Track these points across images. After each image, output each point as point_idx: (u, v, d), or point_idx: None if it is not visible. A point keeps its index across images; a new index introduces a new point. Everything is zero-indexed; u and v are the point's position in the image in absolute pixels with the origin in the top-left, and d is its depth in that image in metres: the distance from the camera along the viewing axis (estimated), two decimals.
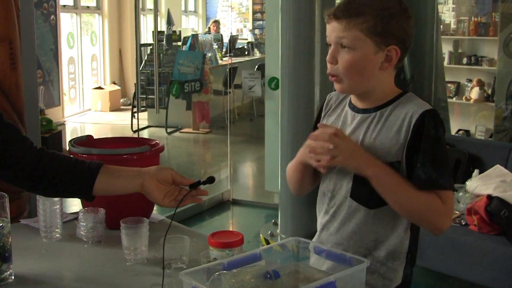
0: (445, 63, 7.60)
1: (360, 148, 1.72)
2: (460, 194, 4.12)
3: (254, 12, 15.28)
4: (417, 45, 6.31)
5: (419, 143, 1.67)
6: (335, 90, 1.83)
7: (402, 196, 1.68)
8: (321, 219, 1.90)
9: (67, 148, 2.31)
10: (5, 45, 2.87)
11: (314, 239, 1.88)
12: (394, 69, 1.77)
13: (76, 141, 2.36)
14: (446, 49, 7.73)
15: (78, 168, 1.85)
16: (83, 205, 2.22)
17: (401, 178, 1.69)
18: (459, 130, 7.56)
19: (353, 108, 1.83)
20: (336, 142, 1.67)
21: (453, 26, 7.99)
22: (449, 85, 7.71)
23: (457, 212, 4.05)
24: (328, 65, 1.77)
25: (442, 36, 7.22)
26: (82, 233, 2.12)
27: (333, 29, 1.74)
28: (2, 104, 2.85)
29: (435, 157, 1.68)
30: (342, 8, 1.72)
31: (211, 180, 1.92)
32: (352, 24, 1.69)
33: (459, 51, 7.88)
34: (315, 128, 1.94)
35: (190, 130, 9.43)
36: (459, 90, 7.94)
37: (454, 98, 7.81)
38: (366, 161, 1.69)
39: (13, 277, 1.81)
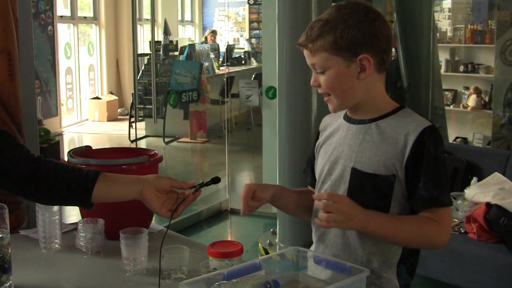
0: (442, 71, 7.62)
1: (355, 206, 1.66)
2: (459, 202, 4.12)
3: (250, 22, 15.30)
4: (414, 53, 6.34)
5: (419, 161, 1.68)
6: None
7: (403, 235, 1.70)
8: (315, 231, 1.91)
9: (66, 159, 2.30)
10: (3, 57, 2.88)
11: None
12: (378, 74, 1.76)
13: (75, 152, 2.36)
14: (443, 57, 7.76)
15: (76, 175, 1.85)
16: (82, 216, 2.22)
17: (398, 219, 1.71)
18: (457, 137, 7.57)
19: (348, 119, 1.84)
20: (332, 208, 1.63)
21: (449, 34, 8.01)
22: (446, 92, 7.72)
23: (456, 220, 4.05)
24: (317, 88, 1.79)
25: (438, 44, 7.24)
26: (81, 243, 2.12)
27: (306, 57, 1.78)
28: (0, 115, 2.85)
29: (436, 176, 1.69)
30: (306, 35, 1.75)
31: (216, 180, 1.92)
32: (316, 47, 1.72)
33: (456, 58, 7.90)
34: (313, 152, 1.96)
35: (188, 139, 9.43)
36: (456, 97, 7.95)
37: (451, 106, 7.83)
38: (363, 219, 1.66)
39: None
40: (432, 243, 1.73)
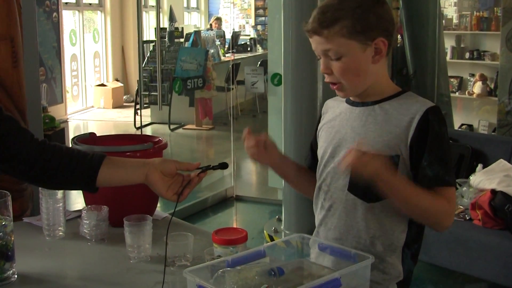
0: (448, 58, 7.59)
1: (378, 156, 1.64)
2: (464, 189, 4.11)
3: (256, 8, 15.25)
4: (420, 40, 6.32)
5: (424, 140, 1.67)
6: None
7: (420, 200, 1.66)
8: (318, 214, 1.89)
9: (70, 146, 2.30)
10: (6, 43, 2.87)
11: (313, 235, 1.87)
12: (385, 57, 1.76)
13: (79, 139, 2.36)
14: (449, 44, 7.73)
15: (81, 159, 1.84)
16: (86, 203, 2.21)
17: (414, 184, 1.67)
18: (462, 124, 7.55)
19: (351, 103, 1.82)
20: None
21: (455, 21, 7.97)
22: (451, 80, 7.70)
23: (461, 207, 4.04)
24: (325, 75, 1.77)
25: (444, 31, 7.21)
26: (86, 231, 2.12)
27: (317, 43, 1.74)
28: (4, 102, 2.84)
29: (441, 155, 1.68)
30: (318, 21, 1.71)
31: (223, 165, 1.91)
32: (332, 33, 1.68)
33: (462, 46, 7.87)
34: (315, 136, 1.95)
35: (193, 126, 9.43)
36: (462, 84, 7.93)
37: (457, 93, 7.81)
38: (383, 165, 1.61)
39: (16, 276, 1.80)
40: (439, 220, 1.70)
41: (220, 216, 5.69)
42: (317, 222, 1.90)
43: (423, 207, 1.68)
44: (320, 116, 1.96)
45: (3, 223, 1.75)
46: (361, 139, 1.71)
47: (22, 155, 1.81)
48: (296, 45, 4.29)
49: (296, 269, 1.63)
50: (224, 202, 5.99)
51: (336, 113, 1.88)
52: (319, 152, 1.89)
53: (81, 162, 1.83)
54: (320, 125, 1.93)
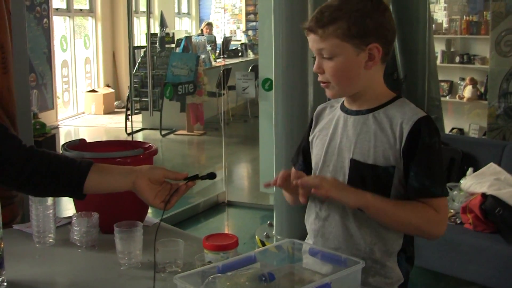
0: (438, 62, 7.63)
1: (343, 183, 1.73)
2: (455, 192, 4.12)
3: (247, 14, 15.28)
4: (410, 44, 6.34)
5: (413, 150, 1.68)
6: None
7: (400, 216, 1.69)
8: (312, 224, 1.88)
9: (61, 152, 2.29)
10: None
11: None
12: (381, 65, 1.77)
13: (69, 145, 2.35)
14: (439, 48, 7.76)
15: (69, 166, 1.83)
16: (77, 210, 2.21)
17: (392, 200, 1.70)
18: (453, 128, 7.58)
19: (346, 111, 1.83)
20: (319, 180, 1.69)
21: (445, 25, 8.01)
22: (442, 83, 7.72)
23: (452, 210, 4.05)
24: (319, 74, 1.78)
25: (434, 35, 7.24)
26: (76, 237, 2.11)
27: (312, 42, 1.76)
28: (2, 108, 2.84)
29: (428, 166, 1.68)
30: (315, 20, 1.73)
31: (211, 176, 1.91)
32: (327, 33, 1.70)
33: (452, 50, 7.90)
34: (307, 139, 1.95)
35: (185, 132, 9.42)
36: (452, 88, 7.96)
37: (447, 97, 7.83)
38: (357, 191, 1.68)
39: (5, 284, 1.79)
40: (428, 230, 1.71)
41: (212, 221, 5.68)
42: (312, 232, 1.89)
43: (403, 222, 1.70)
44: (312, 121, 1.96)
45: None
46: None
47: (10, 162, 1.80)
48: (287, 50, 4.30)
49: (287, 274, 1.63)
50: (216, 207, 5.98)
51: (330, 120, 1.88)
52: (314, 160, 1.89)
53: (69, 169, 1.83)
54: (313, 131, 1.93)
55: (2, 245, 1.77)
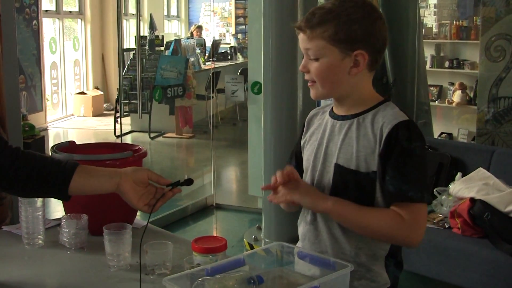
0: (427, 66, 7.64)
1: (314, 188, 1.76)
2: (443, 197, 4.14)
3: (236, 17, 15.29)
4: (399, 49, 6.36)
5: (390, 154, 1.67)
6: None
7: (363, 222, 1.70)
8: (302, 229, 1.90)
9: (50, 154, 2.29)
10: None
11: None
12: (369, 72, 1.77)
13: (58, 147, 2.35)
14: (428, 52, 7.78)
15: (54, 167, 1.83)
16: (66, 211, 2.20)
17: (357, 206, 1.70)
18: (442, 133, 7.60)
19: (333, 116, 1.84)
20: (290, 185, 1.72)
21: (435, 30, 8.04)
22: (431, 88, 7.75)
23: (440, 215, 4.07)
24: (305, 73, 1.79)
25: (424, 40, 7.27)
26: (65, 239, 2.10)
27: (301, 41, 1.77)
28: None
29: (406, 170, 1.67)
30: (305, 19, 1.74)
31: (189, 182, 1.91)
32: (315, 34, 1.72)
33: (441, 54, 7.93)
34: (299, 143, 1.96)
35: (174, 135, 9.41)
36: (442, 93, 7.98)
37: (436, 102, 7.86)
38: (320, 197, 1.72)
39: None
40: (402, 237, 1.69)
41: (200, 224, 5.68)
42: (301, 236, 1.91)
43: (370, 228, 1.70)
44: (304, 126, 1.97)
45: None
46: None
47: None
48: (276, 53, 4.31)
49: (275, 277, 1.63)
50: (204, 210, 5.98)
51: (319, 125, 1.89)
52: (304, 164, 1.90)
53: (54, 170, 1.82)
54: (304, 136, 1.94)
55: None
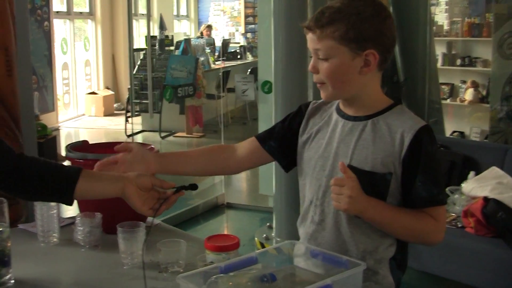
0: (439, 64, 7.60)
1: (360, 190, 1.66)
2: (456, 196, 4.12)
3: (246, 16, 15.29)
4: (410, 47, 6.34)
5: (416, 160, 1.68)
6: None
7: (400, 225, 1.71)
8: (306, 228, 1.88)
9: (63, 153, 2.31)
10: (1, 53, 2.88)
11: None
12: (378, 71, 1.76)
13: (72, 147, 2.36)
14: (440, 50, 7.74)
15: (58, 172, 1.84)
16: (80, 210, 2.22)
17: (397, 209, 1.71)
18: (454, 132, 7.57)
19: (343, 115, 1.82)
20: (340, 191, 1.65)
21: (446, 27, 7.99)
22: (443, 86, 7.71)
23: (453, 214, 4.05)
24: (313, 74, 1.78)
25: (435, 38, 7.23)
26: (79, 237, 2.12)
27: (309, 40, 1.75)
28: (1, 113, 2.85)
29: (434, 174, 1.70)
30: (315, 19, 1.72)
31: (193, 187, 1.91)
32: (324, 34, 1.69)
33: (453, 52, 7.89)
34: (286, 123, 1.95)
35: (184, 134, 9.43)
36: (453, 91, 7.95)
37: (448, 100, 7.82)
38: (364, 203, 1.66)
39: (12, 281, 1.81)
40: (427, 239, 1.75)
41: (211, 223, 5.69)
42: (305, 235, 1.89)
43: (408, 231, 1.72)
44: (302, 115, 1.93)
45: (0, 229, 1.77)
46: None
47: None
48: (286, 52, 4.30)
49: (288, 275, 1.63)
50: (215, 209, 5.98)
51: (325, 122, 1.86)
52: (308, 162, 1.86)
53: (59, 175, 1.83)
54: (305, 128, 1.90)
55: (9, 244, 1.80)
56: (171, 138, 9.36)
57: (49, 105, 10.24)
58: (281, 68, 4.38)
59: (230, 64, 11.39)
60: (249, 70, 9.91)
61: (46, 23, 10.08)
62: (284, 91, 4.41)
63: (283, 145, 1.94)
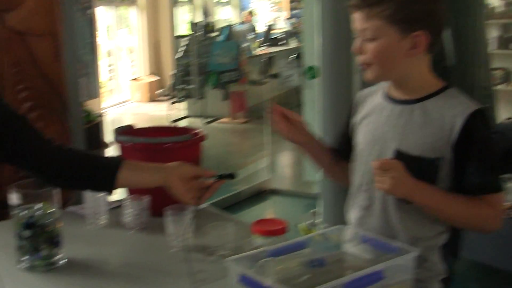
0: (492, 48, 7.39)
1: (406, 173, 1.63)
2: (510, 185, 4.03)
3: (290, 1, 15.19)
4: (461, 30, 6.21)
5: (469, 145, 1.63)
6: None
7: (452, 211, 1.67)
8: (354, 214, 1.87)
9: (108, 139, 2.34)
10: (49, 39, 2.92)
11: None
12: (427, 54, 1.72)
13: (119, 131, 2.38)
14: (493, 33, 7.49)
15: (100, 162, 1.87)
16: (128, 193, 2.24)
17: (448, 194, 1.67)
18: (509, 118, 7.38)
19: (391, 99, 1.79)
20: (384, 173, 1.62)
21: (500, 9, 7.73)
22: (496, 71, 7.47)
23: (508, 203, 3.96)
24: (358, 55, 1.74)
25: (488, 21, 7.04)
26: (127, 220, 2.15)
27: (356, 20, 1.71)
28: (51, 98, 2.90)
29: (488, 161, 1.65)
30: None
31: (232, 176, 1.91)
32: (373, 13, 1.65)
33: (508, 35, 7.63)
34: (347, 127, 1.93)
35: (228, 120, 9.45)
36: (508, 76, 7.71)
37: (502, 85, 7.59)
38: (412, 186, 1.63)
39: (64, 261, 1.86)
40: (482, 226, 1.70)
41: (255, 208, 5.70)
42: (353, 220, 1.88)
43: (462, 217, 1.68)
44: (353, 107, 1.93)
45: (51, 210, 1.80)
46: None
47: (37, 155, 1.83)
48: (332, 37, 4.25)
49: (337, 261, 1.62)
50: (260, 195, 5.99)
51: (373, 107, 1.84)
52: (357, 148, 1.87)
53: (100, 165, 1.86)
54: (356, 117, 1.91)
55: (59, 225, 1.84)
56: (215, 124, 9.39)
57: (94, 92, 10.34)
58: (327, 53, 4.34)
59: (274, 50, 11.34)
60: (293, 56, 9.85)
61: (90, 10, 10.17)
62: (329, 76, 4.37)
63: (346, 144, 1.95)
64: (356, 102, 1.93)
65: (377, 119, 1.81)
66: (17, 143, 1.81)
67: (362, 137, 1.84)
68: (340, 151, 1.99)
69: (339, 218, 4.44)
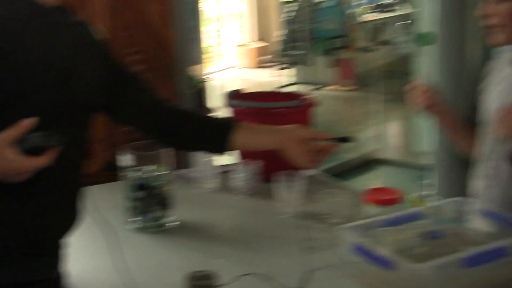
0: None
1: None
2: None
3: None
4: None
5: None
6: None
7: None
8: (479, 183, 1.80)
9: (209, 105, 2.33)
10: (159, 3, 2.95)
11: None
12: None
13: (229, 95, 2.37)
14: None
15: (213, 123, 1.83)
16: (240, 158, 2.23)
17: None
18: None
19: None
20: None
21: None
22: None
23: None
24: (482, 19, 1.64)
25: None
26: (237, 184, 2.15)
27: None
28: (162, 61, 2.94)
29: None
30: None
31: (348, 139, 1.82)
32: None
33: None
34: (476, 96, 1.86)
35: (336, 87, 9.35)
36: None
37: None
38: None
39: (176, 223, 1.89)
40: None
41: (363, 178, 5.62)
42: (476, 190, 1.81)
43: None
44: (481, 76, 1.85)
45: (163, 173, 1.83)
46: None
47: (152, 114, 1.80)
48: (446, 2, 4.10)
49: (454, 234, 1.54)
50: (368, 164, 5.90)
51: (501, 77, 1.76)
52: (487, 117, 1.78)
53: (213, 126, 1.82)
54: (485, 87, 1.82)
55: (169, 187, 1.87)
56: (323, 91, 9.31)
57: (197, 58, 10.48)
58: (443, 18, 4.18)
59: (385, 16, 11.08)
60: (404, 22, 9.60)
61: None
62: (443, 44, 4.21)
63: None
64: (486, 72, 1.83)
65: (503, 87, 1.73)
66: (133, 103, 1.82)
67: (492, 106, 1.75)
68: (469, 120, 1.91)
69: (455, 190, 4.33)
